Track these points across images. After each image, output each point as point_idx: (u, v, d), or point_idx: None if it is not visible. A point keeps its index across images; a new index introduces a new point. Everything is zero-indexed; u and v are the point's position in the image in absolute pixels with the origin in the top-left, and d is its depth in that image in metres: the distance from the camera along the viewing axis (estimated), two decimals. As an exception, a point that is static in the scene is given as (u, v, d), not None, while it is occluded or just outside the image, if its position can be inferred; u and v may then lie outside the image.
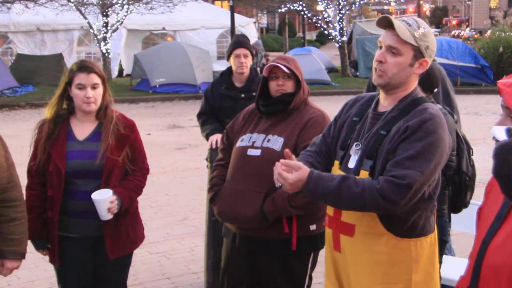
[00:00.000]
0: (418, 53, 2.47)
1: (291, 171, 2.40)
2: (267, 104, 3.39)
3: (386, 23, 2.48)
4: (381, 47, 2.50)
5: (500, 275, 1.87)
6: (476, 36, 38.44)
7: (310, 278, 3.54)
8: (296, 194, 2.53)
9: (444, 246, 3.77)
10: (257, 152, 3.27)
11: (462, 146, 3.62)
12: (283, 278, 3.37)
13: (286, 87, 3.36)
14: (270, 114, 3.39)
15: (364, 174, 2.47)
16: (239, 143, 3.38)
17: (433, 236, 2.58)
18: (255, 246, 3.33)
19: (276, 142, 3.28)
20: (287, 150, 2.46)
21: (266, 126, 3.36)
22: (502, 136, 1.90)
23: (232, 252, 3.45)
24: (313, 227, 3.35)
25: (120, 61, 24.20)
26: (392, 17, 2.47)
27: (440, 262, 3.62)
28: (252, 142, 3.32)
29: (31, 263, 5.42)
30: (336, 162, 2.62)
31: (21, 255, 3.08)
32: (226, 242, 3.51)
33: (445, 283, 3.70)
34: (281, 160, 2.42)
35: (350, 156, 2.56)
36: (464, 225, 3.86)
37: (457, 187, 3.60)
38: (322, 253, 2.91)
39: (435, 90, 3.68)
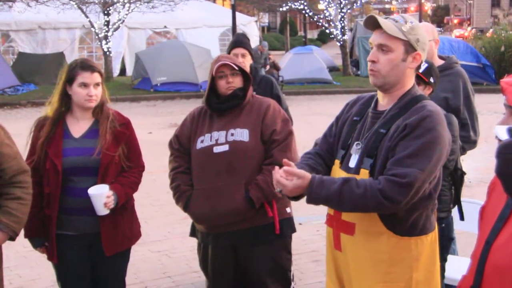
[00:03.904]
0: (409, 47, 2.48)
1: (292, 178, 2.40)
2: (222, 102, 3.43)
3: (373, 24, 2.49)
4: (373, 48, 2.52)
5: (504, 275, 1.87)
6: (466, 33, 38.22)
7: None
8: (296, 198, 2.53)
9: (450, 244, 3.79)
10: (224, 148, 3.31)
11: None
12: (270, 268, 3.41)
13: (235, 83, 3.44)
14: (224, 111, 3.42)
15: (364, 173, 2.47)
16: (199, 145, 3.39)
17: (434, 235, 2.58)
18: (241, 239, 3.36)
19: (241, 134, 3.34)
20: (286, 160, 2.48)
21: (223, 123, 3.40)
22: (504, 136, 1.90)
23: (216, 254, 3.46)
24: (288, 209, 3.51)
25: (123, 60, 24.20)
26: (377, 16, 2.48)
27: (446, 260, 3.65)
28: (215, 140, 3.35)
29: (32, 262, 5.43)
30: (337, 161, 2.63)
31: (13, 233, 3.03)
32: (203, 245, 3.52)
33: (448, 282, 3.71)
34: (284, 168, 2.42)
35: (351, 155, 2.57)
36: (465, 225, 3.85)
37: (454, 183, 3.63)
38: (323, 252, 2.92)
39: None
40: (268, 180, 3.20)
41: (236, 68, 3.41)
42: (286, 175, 2.41)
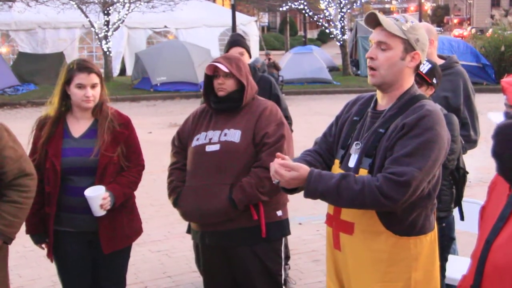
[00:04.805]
0: (408, 46, 2.48)
1: (289, 170, 2.41)
2: (218, 101, 3.44)
3: (374, 21, 2.50)
4: (372, 46, 2.52)
5: (504, 274, 1.87)
6: (466, 33, 38.24)
7: (285, 270, 3.57)
8: (293, 191, 2.54)
9: (451, 243, 3.79)
10: (216, 147, 3.31)
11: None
12: (258, 270, 3.38)
13: (226, 85, 3.41)
14: (222, 111, 3.43)
15: (363, 173, 2.48)
16: (194, 143, 3.40)
17: (433, 235, 2.58)
18: (226, 240, 3.36)
19: (234, 135, 3.33)
20: (279, 154, 2.49)
21: (220, 123, 3.41)
22: (501, 119, 1.91)
23: (204, 253, 3.47)
24: (279, 213, 3.45)
25: (123, 60, 24.21)
26: (378, 13, 2.48)
27: (447, 259, 3.65)
28: (209, 139, 3.36)
29: (32, 262, 5.43)
30: (337, 161, 2.63)
31: (6, 238, 3.02)
32: (195, 244, 3.54)
33: (448, 282, 3.70)
34: (281, 161, 2.43)
35: (350, 155, 2.57)
36: (465, 224, 3.85)
37: (456, 182, 3.63)
38: (323, 252, 2.92)
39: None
40: (253, 182, 3.23)
41: (227, 70, 3.39)
42: (284, 167, 2.42)
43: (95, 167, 3.30)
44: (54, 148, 3.31)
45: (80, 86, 3.30)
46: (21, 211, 3.08)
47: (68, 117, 3.41)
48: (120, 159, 3.37)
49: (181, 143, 3.52)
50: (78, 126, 3.39)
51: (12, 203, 3.03)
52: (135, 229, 3.55)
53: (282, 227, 3.47)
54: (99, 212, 3.26)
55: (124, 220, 3.44)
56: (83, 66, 3.32)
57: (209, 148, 3.33)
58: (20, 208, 3.06)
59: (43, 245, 3.48)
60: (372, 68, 2.51)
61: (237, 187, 3.25)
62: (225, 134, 3.34)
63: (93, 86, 3.32)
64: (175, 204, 3.43)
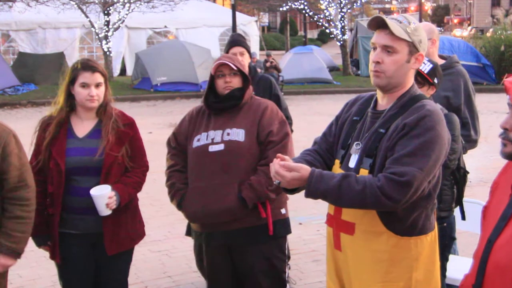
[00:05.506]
0: (413, 48, 2.49)
1: (290, 171, 2.40)
2: (219, 101, 3.44)
3: (377, 24, 2.49)
4: (375, 48, 2.51)
5: (506, 273, 1.87)
6: (465, 33, 38.33)
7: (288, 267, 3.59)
8: (293, 191, 2.54)
9: (452, 243, 3.79)
10: (220, 147, 3.31)
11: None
12: (264, 269, 3.39)
13: (233, 83, 3.44)
14: (221, 111, 3.43)
15: (364, 173, 2.47)
16: (195, 144, 3.40)
17: (434, 234, 2.58)
18: (232, 239, 3.36)
19: (237, 134, 3.34)
20: (280, 154, 2.49)
21: (220, 123, 3.41)
22: None
23: (209, 253, 3.47)
24: (283, 210, 3.48)
25: (123, 60, 24.21)
26: (385, 17, 2.48)
27: (448, 259, 3.65)
28: (211, 139, 3.36)
29: (32, 262, 5.43)
30: (337, 161, 2.63)
31: (17, 254, 3.07)
32: (198, 244, 3.54)
33: (448, 282, 3.70)
34: (281, 163, 2.43)
35: (350, 155, 2.57)
36: (465, 224, 3.85)
37: (457, 182, 3.63)
38: (323, 252, 2.92)
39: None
40: (262, 180, 3.23)
41: (235, 68, 3.41)
42: (284, 167, 2.42)
43: (99, 167, 3.29)
44: (58, 148, 3.30)
45: (84, 85, 3.29)
46: (26, 226, 3.10)
47: (72, 118, 3.40)
48: (124, 159, 3.36)
49: (178, 144, 3.51)
50: (82, 126, 3.38)
51: (16, 219, 3.05)
52: (138, 232, 3.54)
53: (286, 225, 3.50)
54: (105, 211, 3.24)
55: (128, 222, 3.43)
56: (87, 65, 3.32)
57: (212, 148, 3.32)
58: (24, 223, 3.08)
59: (45, 247, 3.45)
60: (377, 71, 2.50)
61: (246, 185, 3.26)
62: (228, 134, 3.34)
63: (97, 86, 3.32)
64: (180, 206, 3.41)
